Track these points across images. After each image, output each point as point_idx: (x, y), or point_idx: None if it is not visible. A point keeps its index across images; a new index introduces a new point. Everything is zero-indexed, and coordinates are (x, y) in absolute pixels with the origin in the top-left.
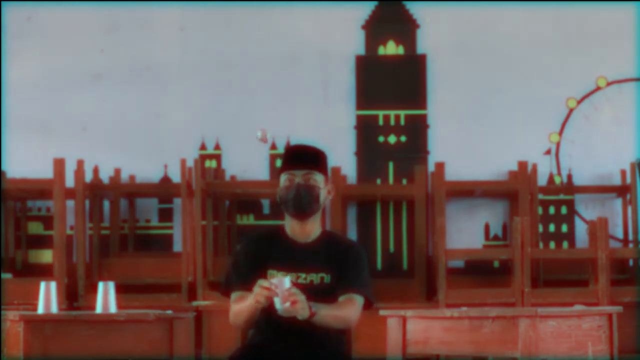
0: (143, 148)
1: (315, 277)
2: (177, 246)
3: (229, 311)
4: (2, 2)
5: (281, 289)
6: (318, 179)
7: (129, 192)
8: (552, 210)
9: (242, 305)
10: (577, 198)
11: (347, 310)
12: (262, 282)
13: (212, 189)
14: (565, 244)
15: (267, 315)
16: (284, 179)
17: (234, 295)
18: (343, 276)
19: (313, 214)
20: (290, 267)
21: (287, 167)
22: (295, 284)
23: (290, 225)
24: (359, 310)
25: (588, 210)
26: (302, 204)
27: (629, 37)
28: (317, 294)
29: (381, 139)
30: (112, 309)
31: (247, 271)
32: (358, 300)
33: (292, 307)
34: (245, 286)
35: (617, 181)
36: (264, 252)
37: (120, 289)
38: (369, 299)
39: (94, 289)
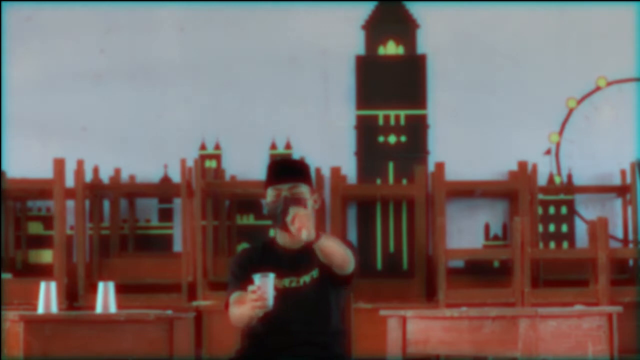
0: (143, 148)
1: (306, 278)
2: (177, 246)
3: (228, 313)
4: (2, 2)
5: (266, 288)
6: (304, 190)
7: (129, 192)
8: (552, 210)
9: (242, 310)
10: (577, 198)
11: (344, 248)
12: (250, 288)
13: (212, 189)
14: (565, 244)
15: (264, 318)
16: (270, 194)
17: (232, 298)
18: None
19: None
20: (281, 274)
21: (273, 181)
22: (288, 289)
23: (281, 235)
24: (352, 259)
25: (588, 210)
26: None
27: (629, 37)
28: (310, 290)
29: (381, 139)
30: (112, 309)
31: (242, 276)
32: (349, 250)
33: (298, 230)
34: (241, 287)
35: (617, 181)
36: (256, 262)
37: (120, 289)
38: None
39: (94, 289)
